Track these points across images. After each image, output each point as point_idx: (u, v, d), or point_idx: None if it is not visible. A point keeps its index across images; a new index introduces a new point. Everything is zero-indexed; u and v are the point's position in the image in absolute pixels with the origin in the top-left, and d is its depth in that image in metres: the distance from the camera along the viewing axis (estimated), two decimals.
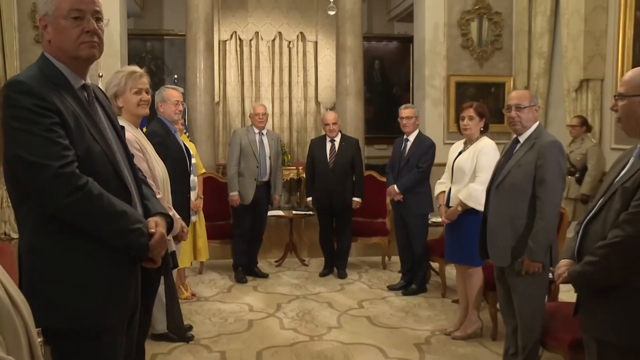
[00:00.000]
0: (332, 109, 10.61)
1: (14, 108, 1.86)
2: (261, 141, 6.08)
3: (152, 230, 2.05)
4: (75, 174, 1.88)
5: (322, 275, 6.20)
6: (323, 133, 6.32)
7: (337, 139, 6.15)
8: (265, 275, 6.14)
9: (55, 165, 1.84)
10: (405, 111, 5.63)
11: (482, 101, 8.97)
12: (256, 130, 6.09)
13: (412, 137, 5.63)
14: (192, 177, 4.80)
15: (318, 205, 6.23)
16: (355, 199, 6.10)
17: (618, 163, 2.42)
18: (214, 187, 6.46)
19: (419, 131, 5.71)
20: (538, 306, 3.38)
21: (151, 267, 2.15)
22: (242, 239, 6.08)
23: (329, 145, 6.16)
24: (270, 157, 6.11)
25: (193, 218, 5.18)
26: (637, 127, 2.25)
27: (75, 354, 1.99)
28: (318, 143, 6.30)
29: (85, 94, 2.07)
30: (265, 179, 6.11)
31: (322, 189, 6.12)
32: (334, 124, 6.14)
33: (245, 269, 6.10)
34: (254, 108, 6.21)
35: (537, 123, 3.45)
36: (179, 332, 4.21)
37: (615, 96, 2.32)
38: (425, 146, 5.59)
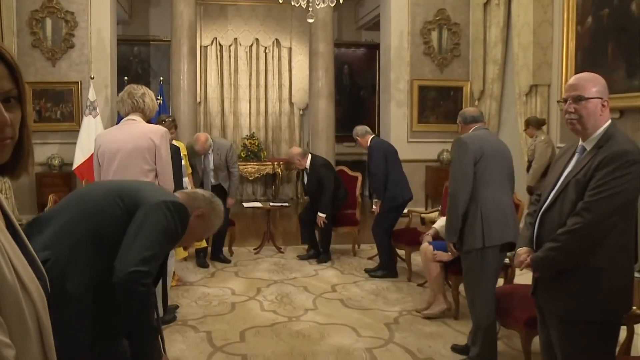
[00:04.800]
0: (305, 109, 10.61)
1: None
2: (205, 156, 6.04)
3: None
4: None
5: (308, 257, 6.28)
6: None
7: (308, 166, 6.22)
8: (228, 261, 6.13)
9: None
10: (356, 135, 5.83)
11: (442, 103, 9.11)
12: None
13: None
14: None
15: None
16: (319, 214, 6.08)
17: (559, 158, 2.44)
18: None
19: (373, 138, 5.77)
20: (484, 290, 3.40)
21: None
22: None
23: (305, 173, 6.32)
24: (213, 170, 6.08)
25: None
26: (594, 125, 2.25)
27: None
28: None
29: None
30: (215, 183, 6.09)
31: (309, 201, 6.44)
32: (293, 160, 6.34)
33: (211, 256, 6.14)
34: (196, 137, 6.02)
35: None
36: (170, 310, 4.35)
37: (567, 99, 2.27)
38: (369, 151, 5.69)
